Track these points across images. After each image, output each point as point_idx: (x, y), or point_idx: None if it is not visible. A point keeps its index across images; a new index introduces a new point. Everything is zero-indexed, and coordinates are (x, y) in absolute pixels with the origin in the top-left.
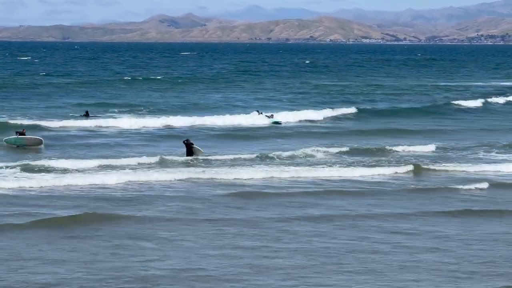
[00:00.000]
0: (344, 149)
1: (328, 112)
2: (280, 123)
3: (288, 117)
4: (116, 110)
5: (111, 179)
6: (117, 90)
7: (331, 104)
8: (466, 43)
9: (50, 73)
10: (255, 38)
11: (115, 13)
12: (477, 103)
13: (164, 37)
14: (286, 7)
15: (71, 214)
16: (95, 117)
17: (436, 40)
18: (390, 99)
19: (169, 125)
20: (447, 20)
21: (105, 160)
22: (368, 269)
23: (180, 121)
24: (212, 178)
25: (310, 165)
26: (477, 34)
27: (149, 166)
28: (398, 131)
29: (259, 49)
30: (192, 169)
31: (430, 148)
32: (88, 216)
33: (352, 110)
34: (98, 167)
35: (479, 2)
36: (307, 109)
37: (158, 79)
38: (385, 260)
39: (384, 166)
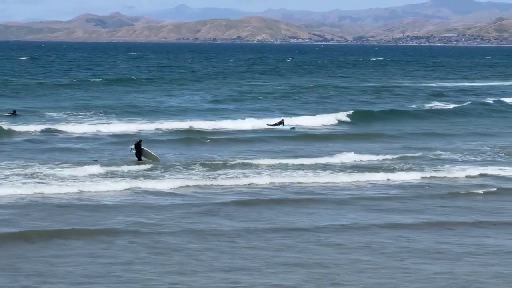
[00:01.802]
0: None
1: (326, 117)
2: (294, 128)
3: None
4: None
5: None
6: (70, 90)
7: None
8: (392, 44)
9: None
10: (183, 38)
11: (40, 11)
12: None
13: (91, 36)
14: (213, 7)
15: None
16: (21, 116)
17: (363, 41)
18: (363, 101)
19: (142, 129)
20: (373, 20)
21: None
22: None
23: (174, 124)
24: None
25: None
26: (403, 35)
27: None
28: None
29: (187, 48)
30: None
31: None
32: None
33: (348, 113)
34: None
35: (405, 3)
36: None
37: (99, 80)
38: None
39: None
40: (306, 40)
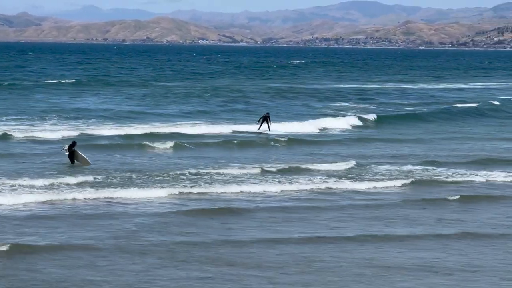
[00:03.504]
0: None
1: (311, 123)
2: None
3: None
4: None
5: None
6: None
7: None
8: (301, 45)
9: None
10: (92, 39)
11: None
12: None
13: None
14: (122, 8)
15: None
16: None
17: (272, 42)
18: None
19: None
20: (283, 22)
21: None
22: None
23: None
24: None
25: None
26: (312, 37)
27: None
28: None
29: (98, 49)
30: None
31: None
32: None
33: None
34: None
35: (313, 5)
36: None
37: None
38: None
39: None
40: (216, 42)
